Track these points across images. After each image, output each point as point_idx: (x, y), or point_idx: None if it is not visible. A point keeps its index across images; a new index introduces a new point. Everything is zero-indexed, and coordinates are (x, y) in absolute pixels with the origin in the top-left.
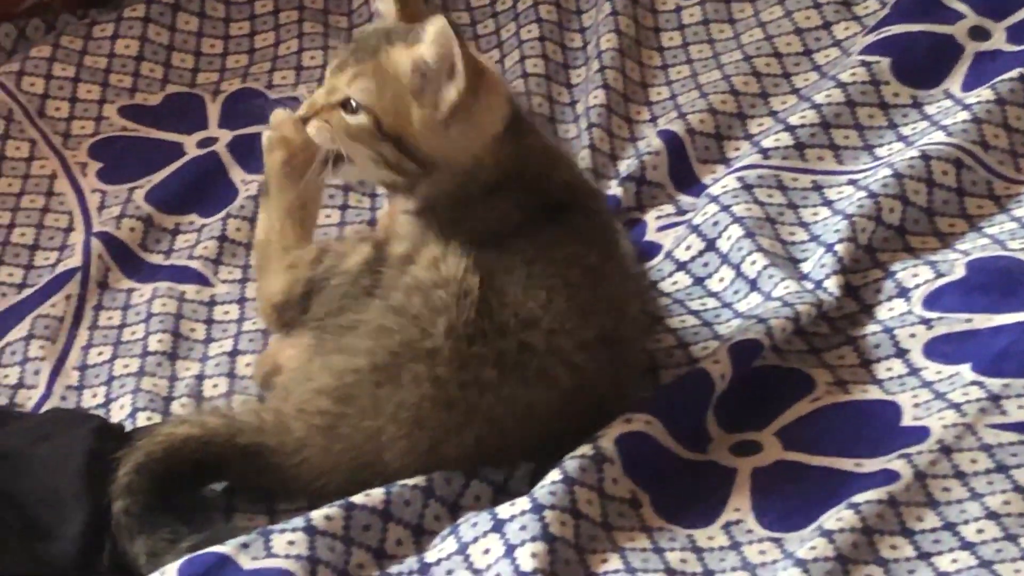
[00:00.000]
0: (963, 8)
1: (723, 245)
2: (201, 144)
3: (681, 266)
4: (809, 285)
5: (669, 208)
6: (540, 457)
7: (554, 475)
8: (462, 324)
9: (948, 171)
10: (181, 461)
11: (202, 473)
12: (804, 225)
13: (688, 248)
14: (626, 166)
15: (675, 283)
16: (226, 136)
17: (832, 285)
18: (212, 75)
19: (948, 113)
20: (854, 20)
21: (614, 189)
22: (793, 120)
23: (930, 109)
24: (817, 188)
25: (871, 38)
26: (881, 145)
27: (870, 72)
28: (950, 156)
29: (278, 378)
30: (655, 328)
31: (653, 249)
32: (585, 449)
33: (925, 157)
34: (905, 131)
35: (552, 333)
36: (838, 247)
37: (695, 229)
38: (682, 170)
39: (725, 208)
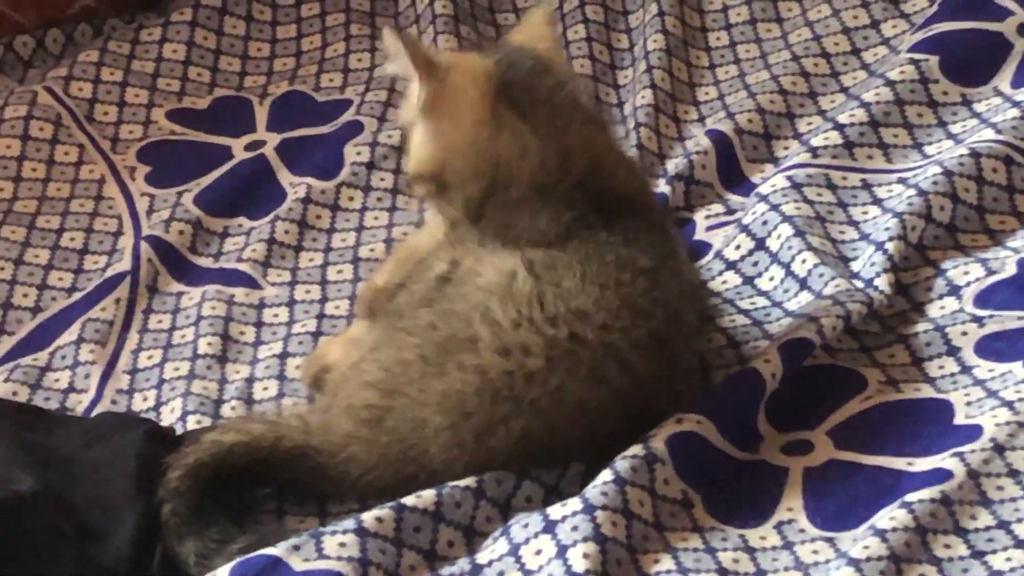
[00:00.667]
0: (1012, 4)
1: (773, 244)
2: (249, 147)
3: (731, 265)
4: (860, 283)
5: (718, 207)
6: (590, 458)
7: (605, 475)
8: (504, 313)
9: (998, 168)
10: (229, 466)
11: (251, 476)
12: (854, 224)
13: (738, 247)
14: (674, 165)
15: (725, 282)
16: (274, 139)
17: (883, 283)
18: (259, 78)
19: (998, 110)
20: (902, 18)
21: (663, 188)
22: (842, 119)
23: (979, 107)
24: (867, 187)
25: (919, 36)
26: (930, 143)
27: (919, 70)
28: (1000, 153)
29: (327, 377)
30: (707, 331)
31: (703, 248)
32: (636, 449)
33: (975, 154)
34: (955, 129)
35: (604, 329)
36: (888, 245)
37: (744, 228)
38: (731, 169)
39: (774, 207)
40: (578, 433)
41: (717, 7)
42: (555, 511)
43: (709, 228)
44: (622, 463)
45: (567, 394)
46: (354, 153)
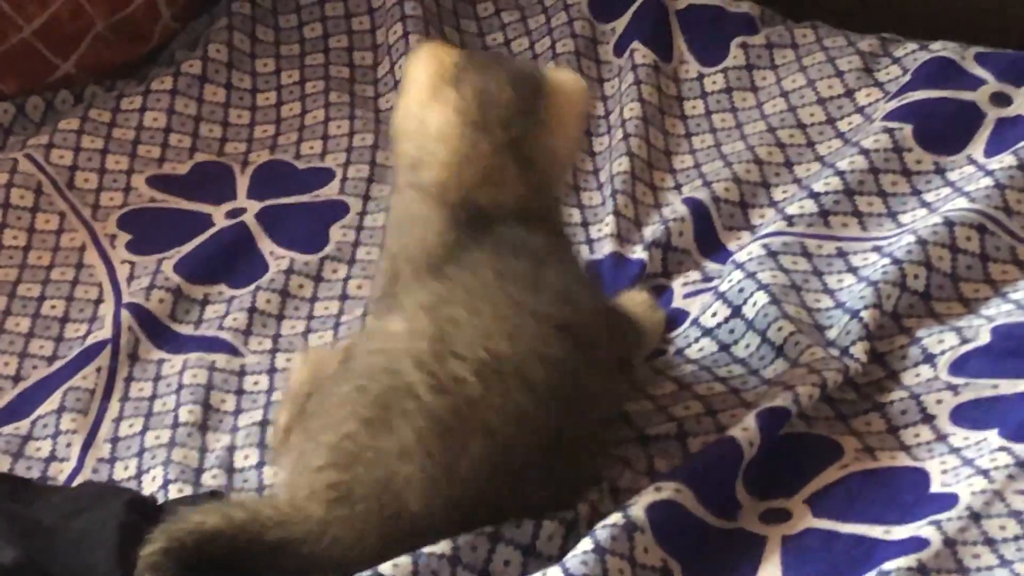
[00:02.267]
0: (984, 74)
1: (748, 312)
2: (230, 215)
3: (707, 332)
4: (835, 352)
5: (695, 275)
6: (551, 472)
7: (585, 544)
8: (427, 354)
9: (972, 237)
10: (208, 552)
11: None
12: (829, 292)
13: (714, 315)
14: (651, 232)
15: (701, 349)
16: (255, 207)
17: (858, 351)
18: (240, 145)
19: (971, 179)
20: (876, 86)
21: (640, 254)
22: (817, 187)
23: (953, 175)
24: (842, 255)
25: (893, 104)
26: (904, 212)
27: (893, 139)
28: (973, 222)
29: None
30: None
31: (680, 316)
32: (616, 517)
33: (948, 223)
34: (928, 197)
35: (512, 337)
36: (864, 313)
37: (721, 296)
38: (708, 237)
39: (751, 275)
40: (531, 444)
41: (692, 75)
42: None
43: (686, 295)
44: (602, 532)
45: (507, 406)
46: (340, 234)
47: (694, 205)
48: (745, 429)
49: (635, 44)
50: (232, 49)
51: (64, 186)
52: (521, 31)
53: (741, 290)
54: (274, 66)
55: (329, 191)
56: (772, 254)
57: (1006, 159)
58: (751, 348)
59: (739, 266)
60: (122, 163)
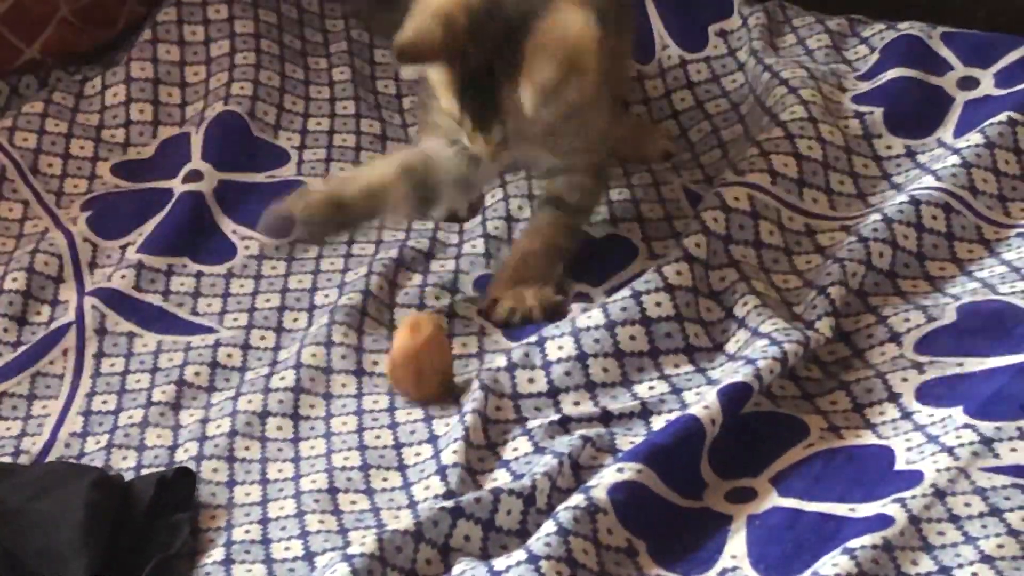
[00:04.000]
0: (951, 57)
1: (716, 284)
2: (187, 179)
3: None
4: (800, 327)
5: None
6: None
7: (548, 526)
8: None
9: (937, 216)
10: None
11: None
12: (797, 272)
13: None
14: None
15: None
16: (212, 176)
17: (823, 326)
18: (199, 104)
19: (939, 159)
20: (844, 63)
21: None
22: (802, 148)
23: (923, 158)
24: (810, 233)
25: (865, 85)
26: (874, 194)
27: (863, 124)
28: (939, 200)
29: None
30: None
31: None
32: (578, 499)
33: (914, 202)
34: (898, 180)
35: None
36: (830, 290)
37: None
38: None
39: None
40: None
41: (675, 62)
42: (500, 562)
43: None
44: (564, 513)
45: None
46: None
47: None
48: (707, 407)
49: None
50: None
51: (28, 171)
52: None
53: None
54: (227, 13)
55: (285, 172)
56: (754, 214)
57: (973, 137)
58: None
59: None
60: (87, 148)
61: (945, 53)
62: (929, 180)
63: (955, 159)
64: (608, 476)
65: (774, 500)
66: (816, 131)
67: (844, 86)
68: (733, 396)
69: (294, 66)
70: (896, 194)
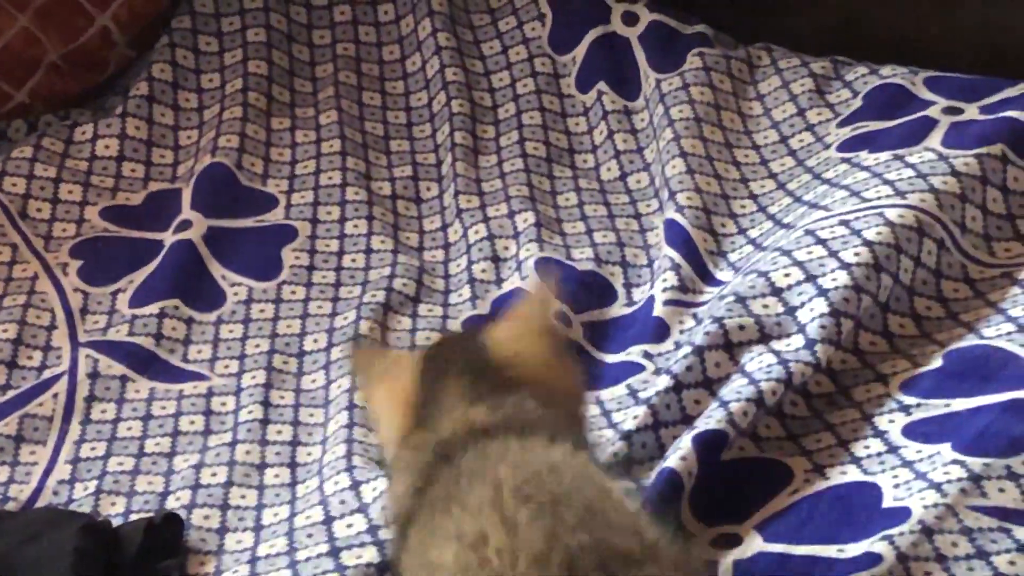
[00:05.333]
0: (933, 97)
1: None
2: (177, 229)
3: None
4: (799, 341)
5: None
6: None
7: None
8: None
9: (932, 251)
10: None
11: None
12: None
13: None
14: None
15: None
16: (201, 223)
17: (822, 352)
18: (190, 163)
19: (932, 165)
20: (827, 107)
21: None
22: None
23: (913, 159)
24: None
25: (847, 132)
26: (868, 189)
27: (851, 165)
28: (937, 236)
29: None
30: None
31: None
32: None
33: (920, 232)
34: (891, 176)
35: None
36: (842, 320)
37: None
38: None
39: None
40: None
41: (652, 86)
42: None
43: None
44: None
45: None
46: (292, 257)
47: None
48: (684, 458)
49: (601, 86)
50: (176, 67)
51: (17, 215)
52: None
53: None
54: (219, 81)
55: (274, 216)
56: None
57: (970, 162)
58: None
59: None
60: (75, 193)
61: (929, 96)
62: (931, 201)
63: (946, 168)
64: None
65: (760, 546)
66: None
67: (826, 142)
68: (710, 444)
69: (281, 118)
70: (895, 195)
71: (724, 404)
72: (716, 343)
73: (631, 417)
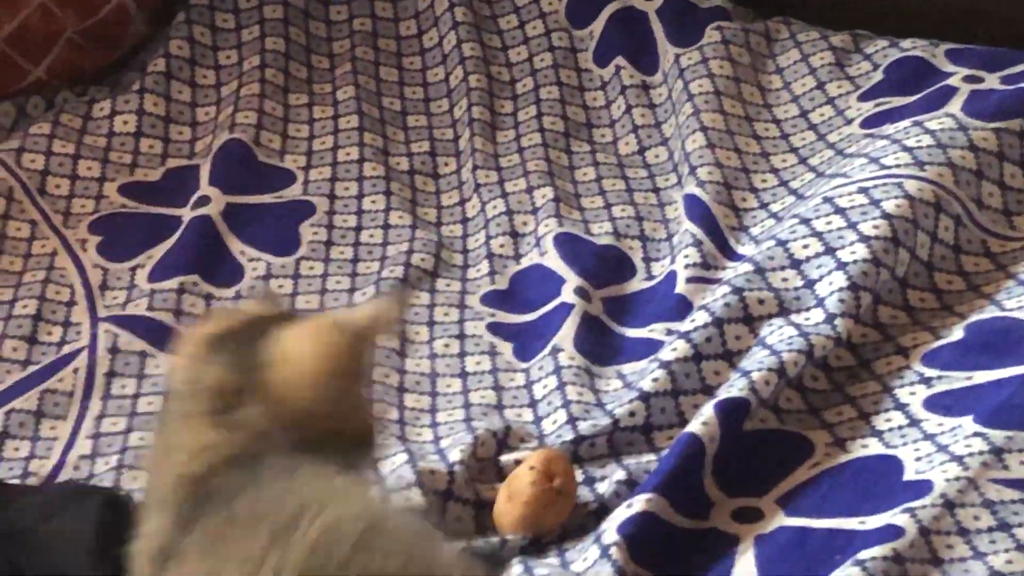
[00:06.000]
0: (954, 68)
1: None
2: (195, 205)
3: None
4: (819, 315)
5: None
6: None
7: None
8: None
9: (949, 227)
10: None
11: None
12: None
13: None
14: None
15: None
16: (219, 200)
17: (841, 326)
18: (208, 138)
19: (953, 138)
20: (847, 80)
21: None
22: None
23: (932, 124)
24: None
25: (869, 107)
26: (886, 156)
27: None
28: (952, 212)
29: None
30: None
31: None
32: (592, 551)
33: (937, 208)
34: (910, 143)
35: None
36: (861, 293)
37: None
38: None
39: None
40: None
41: (670, 61)
42: None
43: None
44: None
45: None
46: (310, 233)
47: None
48: (705, 423)
49: (619, 61)
50: (193, 43)
51: (36, 192)
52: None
53: (727, 304)
54: (236, 57)
55: (292, 192)
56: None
57: (988, 136)
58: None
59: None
60: (94, 169)
61: (950, 68)
62: (948, 176)
63: (964, 140)
64: (619, 512)
65: (781, 520)
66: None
67: (847, 116)
68: (730, 411)
69: (298, 94)
70: (910, 159)
71: (746, 374)
72: (736, 316)
73: (650, 379)
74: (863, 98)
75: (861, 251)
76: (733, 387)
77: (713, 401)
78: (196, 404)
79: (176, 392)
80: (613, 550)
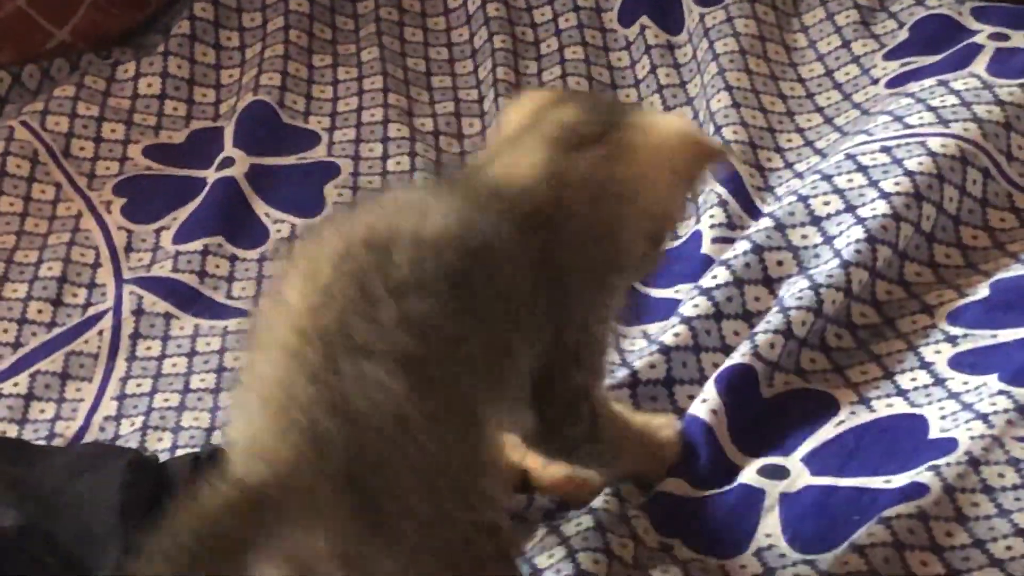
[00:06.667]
0: (979, 25)
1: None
2: (220, 166)
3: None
4: (833, 263)
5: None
6: None
7: (586, 521)
8: None
9: (977, 180)
10: None
11: None
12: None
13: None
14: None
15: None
16: (244, 161)
17: (855, 275)
18: (232, 101)
19: (979, 96)
20: (872, 38)
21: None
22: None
23: (957, 85)
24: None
25: (895, 66)
26: (913, 120)
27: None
28: (981, 165)
29: None
30: None
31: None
32: (614, 505)
33: (964, 161)
34: (934, 103)
35: None
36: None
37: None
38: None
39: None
40: None
41: (695, 20)
42: (541, 560)
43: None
44: (603, 514)
45: None
46: (335, 194)
47: None
48: (704, 400)
49: (644, 20)
50: (217, 5)
51: (60, 154)
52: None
53: (747, 264)
54: (261, 20)
55: (316, 153)
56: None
57: (1016, 91)
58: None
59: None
60: (118, 131)
61: (976, 27)
62: (974, 130)
63: (990, 97)
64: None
65: (807, 479)
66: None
67: (873, 75)
68: (733, 380)
69: (323, 55)
70: (940, 124)
71: (752, 337)
72: (755, 278)
73: (671, 333)
74: (888, 57)
75: (881, 207)
76: (737, 352)
77: (715, 375)
78: (544, 129)
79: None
80: (636, 523)
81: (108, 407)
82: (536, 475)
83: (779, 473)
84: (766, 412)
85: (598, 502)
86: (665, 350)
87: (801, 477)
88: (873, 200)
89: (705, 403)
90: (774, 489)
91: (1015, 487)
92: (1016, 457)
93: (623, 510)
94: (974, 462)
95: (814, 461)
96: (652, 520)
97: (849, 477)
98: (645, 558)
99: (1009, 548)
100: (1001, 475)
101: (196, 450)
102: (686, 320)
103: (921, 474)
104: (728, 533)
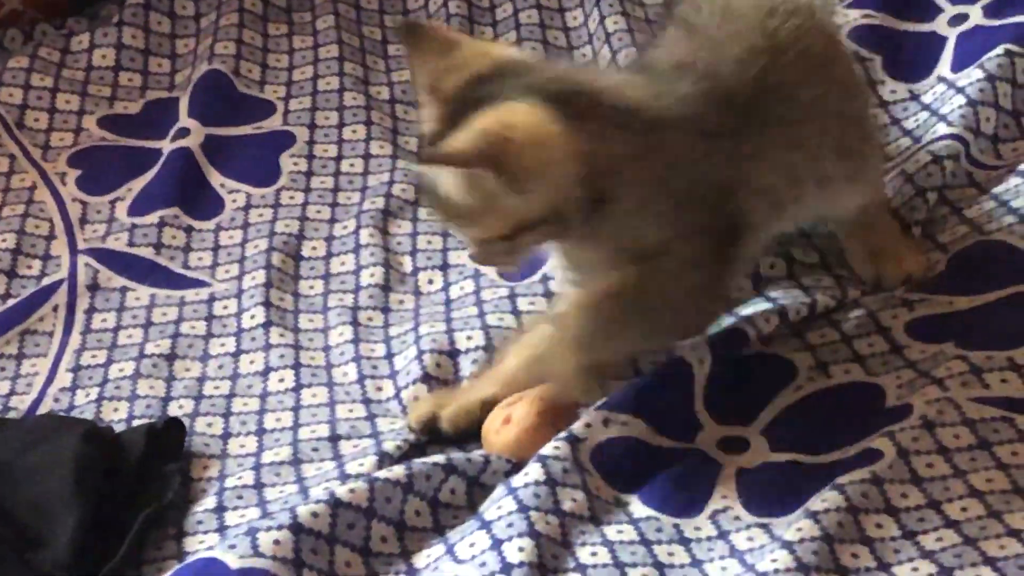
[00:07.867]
0: (942, 3)
1: None
2: (175, 136)
3: None
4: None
5: None
6: None
7: (536, 474)
8: None
9: (958, 172)
10: None
11: None
12: None
13: None
14: None
15: None
16: (199, 132)
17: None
18: (187, 70)
19: (945, 99)
20: None
21: None
22: None
23: (927, 98)
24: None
25: (856, 15)
26: (887, 144)
27: (866, 71)
28: (955, 152)
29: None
30: None
31: None
32: (565, 451)
33: (937, 160)
34: (908, 125)
35: None
36: None
37: None
38: None
39: None
40: None
41: None
42: (490, 512)
43: None
44: (554, 464)
45: None
46: (291, 163)
47: None
48: (694, 348)
49: None
50: None
51: (14, 125)
52: None
53: None
54: None
55: (272, 123)
56: None
57: (973, 72)
58: None
59: None
60: (72, 103)
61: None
62: (942, 128)
63: (960, 99)
64: (595, 431)
65: (766, 456)
66: None
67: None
68: (726, 339)
69: (278, 23)
70: (910, 143)
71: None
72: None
73: None
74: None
75: None
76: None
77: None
78: None
79: None
80: (587, 478)
81: (63, 379)
82: (488, 439)
83: (739, 446)
84: (728, 372)
85: (547, 449)
86: None
87: (760, 452)
88: None
89: (695, 351)
90: (732, 463)
91: (970, 447)
92: (971, 418)
93: (576, 456)
94: (929, 425)
95: (773, 434)
96: (603, 473)
97: (807, 454)
98: (601, 511)
99: (964, 509)
100: (956, 436)
101: (152, 420)
102: None
103: (875, 440)
104: (683, 493)
